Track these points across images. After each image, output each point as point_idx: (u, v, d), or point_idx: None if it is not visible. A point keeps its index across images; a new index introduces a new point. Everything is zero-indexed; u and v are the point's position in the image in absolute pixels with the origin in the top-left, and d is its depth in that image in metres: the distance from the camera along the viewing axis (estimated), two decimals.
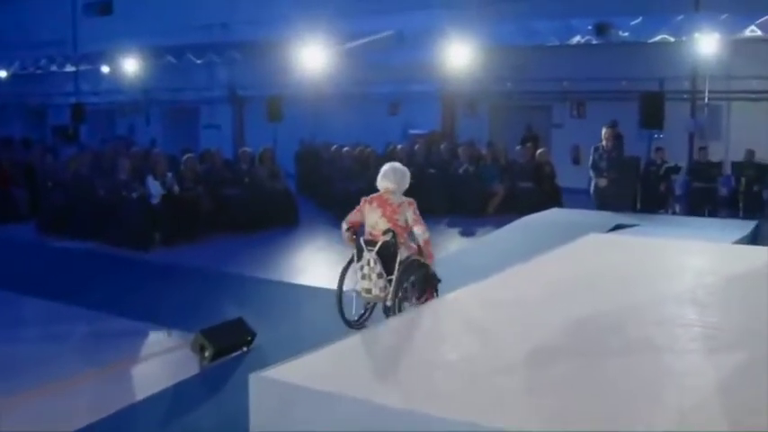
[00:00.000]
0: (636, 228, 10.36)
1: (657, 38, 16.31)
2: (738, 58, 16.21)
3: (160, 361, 6.58)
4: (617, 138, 12.28)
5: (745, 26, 15.20)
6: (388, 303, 6.16)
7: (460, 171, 15.29)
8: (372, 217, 6.36)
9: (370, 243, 6.23)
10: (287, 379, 4.24)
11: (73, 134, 22.45)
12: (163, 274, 9.77)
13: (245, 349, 6.15)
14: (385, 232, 6.21)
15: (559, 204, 13.90)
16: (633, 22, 16.43)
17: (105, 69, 25.02)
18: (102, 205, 12.18)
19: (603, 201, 11.84)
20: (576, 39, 17.23)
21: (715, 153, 15.70)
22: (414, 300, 6.28)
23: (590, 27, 16.80)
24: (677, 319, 5.40)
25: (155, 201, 11.85)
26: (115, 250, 11.22)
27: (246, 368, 5.25)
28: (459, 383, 4.21)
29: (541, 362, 4.52)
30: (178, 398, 5.39)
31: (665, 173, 14.33)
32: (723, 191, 14.94)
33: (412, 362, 4.66)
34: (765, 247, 8.03)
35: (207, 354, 5.87)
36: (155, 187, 11.89)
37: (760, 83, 16.15)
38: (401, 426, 3.75)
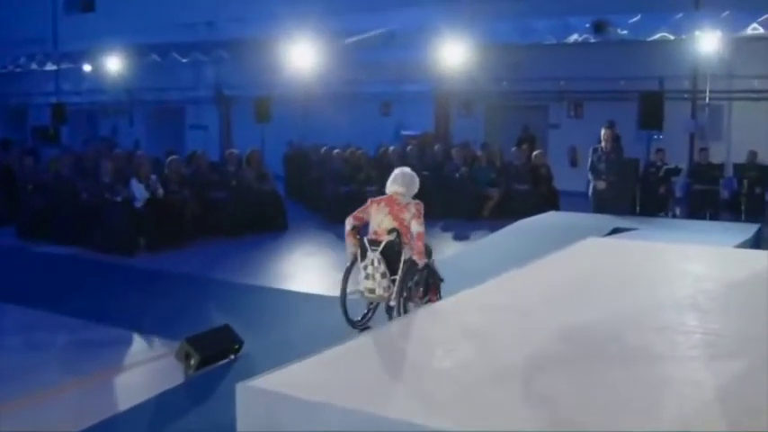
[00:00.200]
0: (635, 231, 10.39)
1: (657, 36, 16.39)
2: (740, 56, 16.29)
3: (144, 370, 6.56)
4: (615, 139, 12.31)
5: (747, 24, 15.26)
6: (392, 303, 6.34)
7: (455, 173, 15.32)
8: (378, 216, 6.51)
9: (374, 243, 6.40)
10: (275, 388, 4.24)
11: (54, 135, 22.39)
12: (147, 280, 9.75)
13: (232, 357, 6.15)
14: (389, 232, 6.37)
15: (556, 207, 13.92)
16: (632, 20, 16.50)
17: (87, 68, 24.98)
18: (85, 209, 12.14)
19: (602, 204, 11.88)
20: (574, 37, 17.29)
21: (716, 154, 15.78)
22: (417, 299, 6.45)
23: (588, 25, 16.87)
24: (677, 326, 5.42)
25: (139, 204, 11.82)
26: (98, 256, 11.19)
27: (233, 377, 5.24)
28: (453, 392, 4.22)
29: (538, 370, 4.53)
30: (162, 408, 5.38)
31: (665, 175, 14.39)
32: (724, 193, 14.99)
33: (405, 370, 4.67)
34: None
35: (192, 362, 5.86)
36: (139, 190, 11.87)
37: (762, 82, 16.24)
38: None
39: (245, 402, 4.26)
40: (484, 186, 15.25)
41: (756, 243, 9.72)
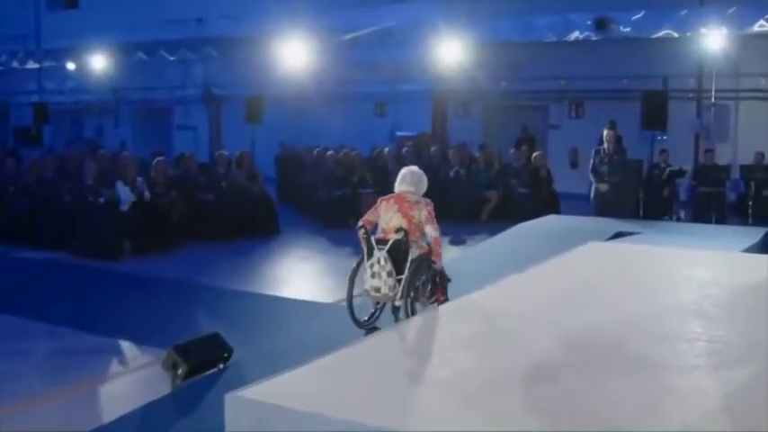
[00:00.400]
0: (638, 235, 10.40)
1: (661, 33, 16.41)
2: (747, 54, 16.34)
3: (130, 379, 6.55)
4: (617, 140, 12.34)
5: (754, 20, 15.27)
6: (397, 303, 6.47)
7: (452, 175, 15.34)
8: (388, 214, 6.65)
9: (381, 242, 6.53)
10: (266, 399, 4.23)
11: (36, 136, 22.31)
12: (133, 286, 9.73)
13: (221, 366, 6.13)
14: (397, 231, 6.48)
15: (557, 211, 13.95)
16: (635, 17, 16.52)
17: (71, 66, 24.94)
18: (68, 212, 12.12)
19: (604, 207, 11.89)
20: (575, 35, 17.31)
21: (722, 155, 15.80)
22: (424, 300, 6.61)
23: (589, 22, 16.89)
24: (681, 333, 5.43)
25: (124, 207, 11.81)
26: (81, 261, 11.17)
27: (222, 387, 5.23)
28: (449, 402, 4.21)
29: (537, 379, 4.52)
30: (149, 419, 5.37)
31: (669, 177, 14.42)
32: (731, 196, 15.04)
33: (400, 379, 4.66)
34: None
35: (180, 371, 5.84)
36: (124, 193, 11.85)
37: None
38: None
39: (235, 413, 4.25)
40: (482, 189, 15.26)
41: (764, 248, 9.72)
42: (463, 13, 17.77)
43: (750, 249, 9.26)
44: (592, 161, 12.03)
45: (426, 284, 6.64)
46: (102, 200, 11.82)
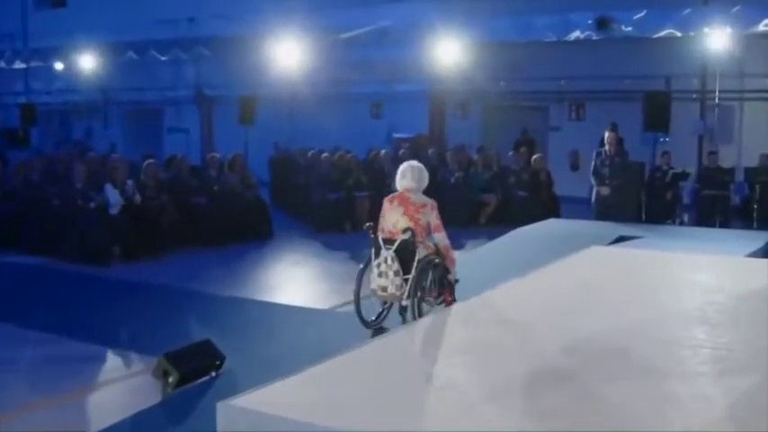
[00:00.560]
0: (640, 240, 10.42)
1: (663, 33, 16.42)
2: (751, 54, 16.37)
3: (119, 388, 6.53)
4: (619, 142, 12.35)
5: (759, 19, 15.27)
6: (404, 303, 6.75)
7: (450, 178, 15.34)
8: (393, 215, 6.90)
9: (389, 241, 6.78)
10: (258, 407, 4.23)
11: (23, 137, 22.27)
12: (122, 292, 9.70)
13: (212, 374, 6.13)
14: (404, 231, 6.73)
15: (557, 215, 13.97)
16: (637, 16, 16.54)
17: (59, 66, 24.92)
18: (56, 216, 12.11)
19: (605, 210, 11.90)
20: (576, 34, 17.32)
21: (726, 158, 15.83)
22: (431, 300, 6.86)
23: (590, 21, 16.90)
24: (685, 340, 5.43)
25: (114, 211, 11.80)
26: (70, 266, 11.15)
27: (214, 395, 5.23)
28: (448, 411, 4.22)
29: (537, 387, 4.53)
30: (138, 429, 5.36)
31: (672, 180, 14.44)
32: (735, 199, 15.07)
33: (397, 388, 4.65)
34: None
35: (171, 379, 5.83)
36: (114, 196, 11.84)
37: None
38: None
39: (227, 422, 4.25)
40: (480, 192, 15.28)
41: None
42: (461, 11, 17.77)
43: (755, 254, 9.26)
44: (593, 164, 12.05)
45: (433, 285, 6.85)
46: (91, 204, 11.80)
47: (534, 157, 15.85)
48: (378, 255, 6.79)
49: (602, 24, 16.70)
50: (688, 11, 16.16)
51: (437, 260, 6.89)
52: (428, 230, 6.86)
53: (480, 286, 7.10)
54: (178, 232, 12.55)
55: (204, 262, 11.64)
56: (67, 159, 15.20)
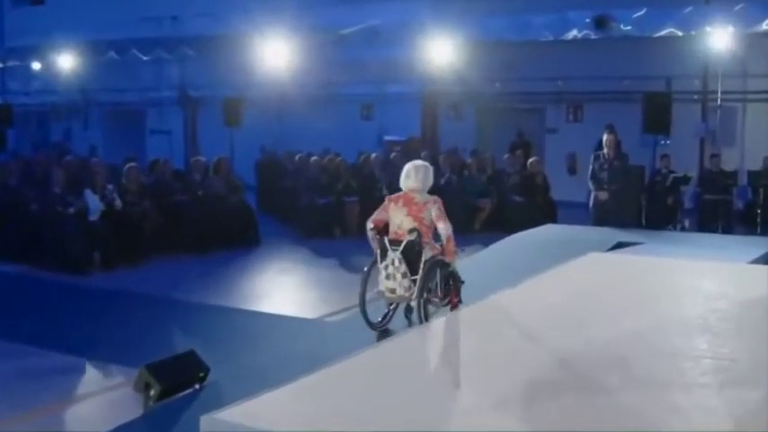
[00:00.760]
0: (640, 246, 10.44)
1: (664, 32, 16.48)
2: (754, 53, 16.43)
3: (98, 401, 6.51)
4: (618, 145, 12.38)
5: (762, 18, 15.34)
6: (413, 304, 6.96)
7: (442, 182, 15.32)
8: (398, 216, 7.07)
9: (395, 243, 6.95)
10: (244, 421, 4.21)
11: None
12: (103, 301, 9.67)
13: (196, 387, 6.10)
14: (410, 231, 6.91)
15: (554, 220, 13.98)
16: (636, 15, 16.60)
17: (37, 66, 24.84)
18: (33, 222, 12.07)
19: (604, 215, 11.93)
20: (573, 33, 17.38)
21: (729, 161, 15.89)
22: (438, 301, 7.05)
23: (588, 20, 16.96)
24: (686, 350, 5.44)
25: (93, 217, 11.77)
26: (48, 274, 11.10)
27: (198, 408, 5.21)
28: (442, 423, 4.21)
29: (534, 398, 4.53)
30: None
31: (673, 184, 14.47)
32: (738, 204, 15.11)
33: (390, 398, 4.65)
34: None
35: (153, 392, 5.81)
36: (93, 201, 11.81)
37: None
38: None
39: None
40: (474, 197, 15.28)
41: None
42: (455, 9, 17.81)
43: (758, 260, 9.29)
44: (591, 167, 12.07)
45: (440, 286, 7.03)
46: (70, 209, 11.76)
47: (530, 160, 15.87)
48: (384, 256, 6.96)
49: (600, 23, 16.75)
50: (689, 9, 16.22)
51: (444, 260, 7.07)
52: (433, 229, 7.04)
53: (475, 294, 7.11)
54: (161, 239, 12.52)
55: (188, 270, 11.61)
56: (45, 163, 15.16)
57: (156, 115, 24.66)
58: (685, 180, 14.71)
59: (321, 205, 14.47)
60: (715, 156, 15.37)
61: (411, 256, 6.88)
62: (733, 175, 15.20)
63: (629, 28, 16.74)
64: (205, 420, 4.27)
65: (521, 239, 11.24)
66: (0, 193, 13.14)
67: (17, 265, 11.58)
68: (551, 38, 17.66)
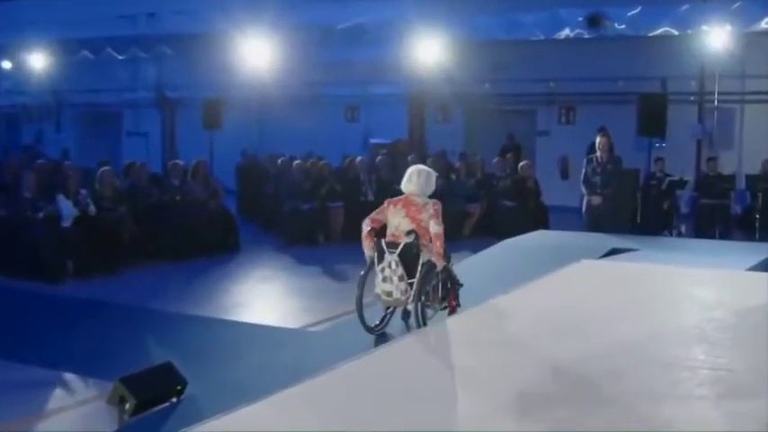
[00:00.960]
0: (634, 252, 10.46)
1: (659, 31, 16.54)
2: (753, 53, 16.52)
3: (71, 416, 6.47)
4: (611, 148, 12.41)
5: (761, 17, 15.39)
6: (409, 307, 7.07)
7: None
8: (396, 218, 7.20)
9: (392, 245, 7.07)
10: None
11: None
12: (75, 311, 9.64)
13: (173, 400, 6.09)
14: (407, 234, 7.03)
15: (546, 226, 14.01)
16: (631, 13, 16.65)
17: (7, 65, 24.74)
18: (3, 229, 12.00)
19: (597, 221, 11.95)
20: (565, 32, 17.42)
21: (726, 164, 15.95)
22: (435, 304, 7.16)
23: (581, 19, 17.00)
24: (682, 360, 5.46)
25: (66, 223, 11.73)
26: (18, 283, 11.03)
27: (175, 423, 5.21)
28: None
29: (524, 412, 4.53)
30: None
31: (669, 188, 14.52)
32: (736, 208, 15.17)
33: (374, 412, 4.65)
34: None
35: (128, 406, 5.79)
36: (66, 207, 11.77)
37: None
38: None
39: None
40: (463, 202, 15.29)
41: None
42: (443, 8, 17.82)
43: (757, 267, 9.30)
44: (584, 171, 12.09)
45: (437, 289, 7.13)
46: (41, 215, 11.72)
47: (521, 163, 15.88)
48: (381, 259, 7.06)
49: (593, 22, 16.79)
50: (686, 7, 16.27)
51: (443, 263, 7.12)
52: (430, 232, 7.10)
53: (463, 302, 7.13)
54: (137, 246, 12.49)
55: (165, 278, 11.59)
56: (16, 166, 15.05)
57: (132, 117, 24.61)
58: (681, 184, 14.75)
59: (304, 211, 14.44)
60: (712, 159, 15.42)
61: (408, 258, 6.98)
62: (731, 178, 15.23)
63: (623, 27, 16.78)
64: None
65: (511, 246, 11.25)
66: None
67: None
68: (543, 37, 17.70)
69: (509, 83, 18.71)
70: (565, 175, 18.04)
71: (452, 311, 7.25)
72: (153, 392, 6.00)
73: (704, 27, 16.07)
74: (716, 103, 17.00)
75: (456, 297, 7.33)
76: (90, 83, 23.69)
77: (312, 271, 12.18)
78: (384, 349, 6.07)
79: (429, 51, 17.95)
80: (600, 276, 8.53)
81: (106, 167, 13.40)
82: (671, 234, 14.14)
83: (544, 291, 7.64)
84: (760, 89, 16.84)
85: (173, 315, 9.27)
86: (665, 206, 14.46)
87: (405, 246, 6.99)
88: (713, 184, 14.68)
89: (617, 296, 7.47)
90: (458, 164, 16.42)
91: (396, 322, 7.42)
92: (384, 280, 7.03)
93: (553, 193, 15.89)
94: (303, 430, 4.36)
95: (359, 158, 16.25)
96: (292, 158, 16.22)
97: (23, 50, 23.15)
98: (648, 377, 5.07)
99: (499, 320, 6.60)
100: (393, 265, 6.98)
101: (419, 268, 6.98)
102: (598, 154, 12.06)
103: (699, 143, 17.38)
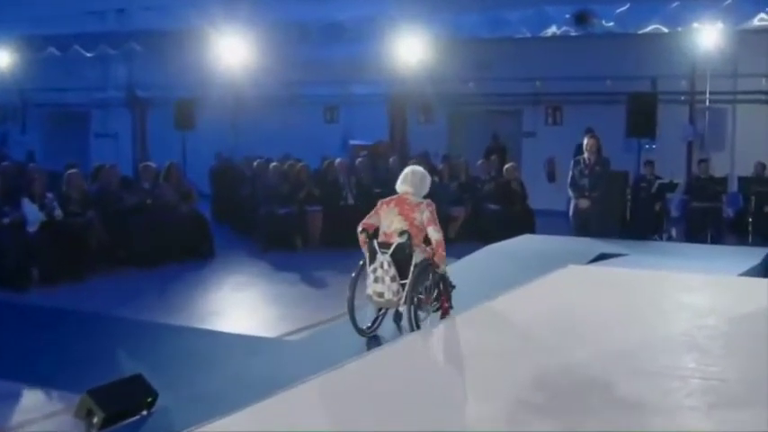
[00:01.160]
0: (623, 257, 10.50)
1: (648, 28, 16.55)
2: (745, 52, 16.62)
3: (36, 430, 6.44)
4: (599, 149, 12.45)
5: (753, 13, 15.40)
6: (401, 309, 7.13)
7: None
8: (389, 217, 7.30)
9: (384, 245, 7.14)
10: None
11: None
12: (41, 319, 9.58)
13: (144, 413, 6.06)
14: (400, 234, 7.08)
15: (532, 230, 14.05)
16: (619, 10, 16.66)
17: None
18: None
19: (585, 225, 11.99)
20: (552, 30, 17.41)
21: (718, 166, 16.03)
22: (428, 307, 7.20)
23: (568, 16, 17.00)
24: (673, 369, 5.47)
25: (32, 228, 11.67)
26: None
27: None
28: None
29: (509, 423, 4.53)
30: None
31: (659, 191, 14.58)
32: (728, 212, 15.24)
33: (353, 425, 4.64)
34: None
35: (95, 420, 5.77)
36: (32, 212, 11.72)
37: None
38: None
39: None
40: (447, 205, 15.28)
41: (765, 270, 9.85)
42: (425, 5, 17.81)
43: (749, 272, 9.36)
44: (571, 173, 12.13)
45: (430, 290, 7.19)
46: (5, 220, 11.66)
47: (506, 166, 15.93)
48: (373, 260, 7.11)
49: (581, 19, 16.81)
50: (676, 4, 16.29)
51: (434, 264, 7.19)
52: (424, 232, 7.17)
53: None
54: (106, 252, 12.47)
55: (135, 285, 11.55)
56: None
57: (102, 117, 24.53)
58: (672, 187, 14.81)
59: (281, 215, 14.42)
60: (703, 161, 15.50)
61: (401, 259, 7.03)
62: (723, 181, 15.31)
63: (611, 24, 16.79)
64: None
65: (496, 251, 11.27)
66: None
67: None
68: (528, 35, 17.68)
69: (494, 82, 18.77)
70: (551, 177, 18.10)
71: (445, 313, 7.27)
72: (122, 405, 5.97)
73: (695, 24, 16.10)
74: (707, 102, 17.08)
75: (449, 299, 7.37)
76: (57, 81, 23.58)
77: (289, 278, 12.16)
78: (362, 360, 6.05)
79: (411, 49, 17.95)
80: (588, 282, 8.55)
81: (74, 170, 13.35)
82: (661, 238, 14.21)
83: (530, 297, 7.65)
84: (753, 88, 16.95)
85: (143, 324, 9.24)
86: (656, 209, 14.52)
87: (397, 246, 7.04)
88: (705, 187, 14.75)
89: (605, 303, 7.49)
90: (441, 166, 16.44)
91: (388, 324, 7.45)
92: (376, 280, 7.08)
93: (539, 197, 15.93)
94: None
95: (338, 160, 16.24)
96: (269, 160, 16.21)
97: None
98: (638, 386, 5.08)
99: (482, 328, 6.60)
100: (385, 266, 7.02)
101: (411, 269, 7.03)
102: (586, 155, 12.10)
103: (690, 144, 17.49)
